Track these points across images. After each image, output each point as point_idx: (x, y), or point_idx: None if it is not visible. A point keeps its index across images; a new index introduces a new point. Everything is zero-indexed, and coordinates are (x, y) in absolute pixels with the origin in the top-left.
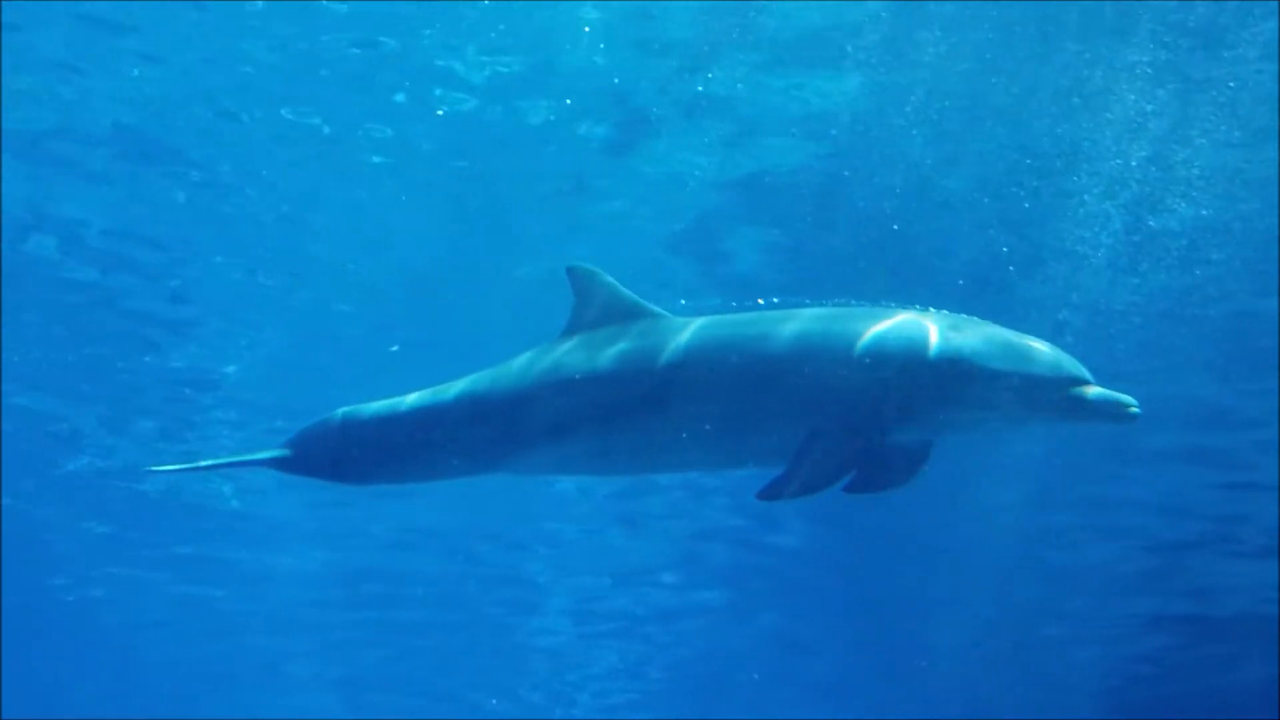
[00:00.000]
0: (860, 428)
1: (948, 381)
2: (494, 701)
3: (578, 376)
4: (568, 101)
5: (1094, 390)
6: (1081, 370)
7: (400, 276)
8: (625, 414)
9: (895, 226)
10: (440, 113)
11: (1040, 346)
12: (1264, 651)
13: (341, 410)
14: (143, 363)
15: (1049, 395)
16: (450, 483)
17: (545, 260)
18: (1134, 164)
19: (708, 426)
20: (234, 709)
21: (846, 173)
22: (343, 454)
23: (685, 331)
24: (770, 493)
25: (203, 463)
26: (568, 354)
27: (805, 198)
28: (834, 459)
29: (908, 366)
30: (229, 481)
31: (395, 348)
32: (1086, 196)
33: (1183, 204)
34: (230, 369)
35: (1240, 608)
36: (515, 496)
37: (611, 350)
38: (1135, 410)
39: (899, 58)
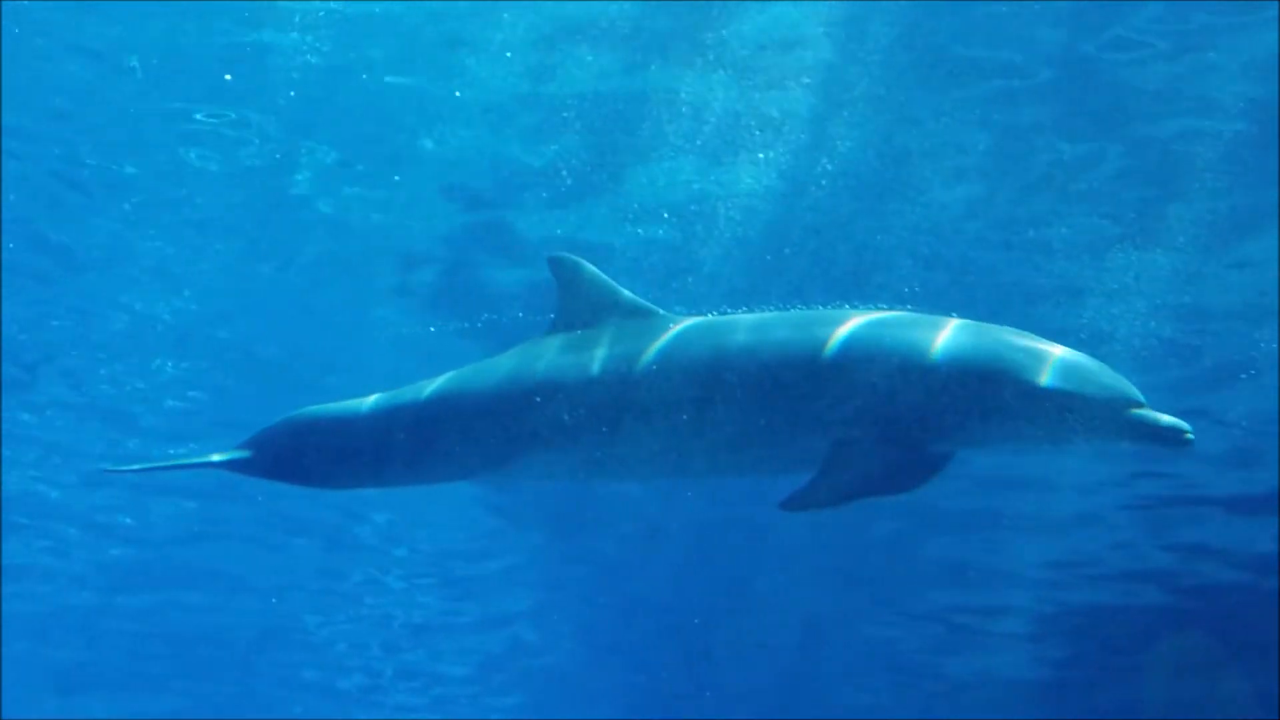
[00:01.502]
0: (899, 439)
1: (1003, 397)
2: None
3: (575, 379)
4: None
5: (1150, 414)
6: (1137, 392)
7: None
8: (627, 422)
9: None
10: None
11: (1096, 366)
12: None
13: (307, 409)
14: None
15: (1106, 416)
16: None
17: None
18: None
19: (724, 436)
20: None
21: None
22: (310, 456)
23: (698, 333)
24: (796, 503)
25: (158, 464)
26: (563, 354)
27: None
28: (867, 470)
29: (962, 379)
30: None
31: None
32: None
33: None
34: None
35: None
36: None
37: (613, 351)
38: (1190, 436)
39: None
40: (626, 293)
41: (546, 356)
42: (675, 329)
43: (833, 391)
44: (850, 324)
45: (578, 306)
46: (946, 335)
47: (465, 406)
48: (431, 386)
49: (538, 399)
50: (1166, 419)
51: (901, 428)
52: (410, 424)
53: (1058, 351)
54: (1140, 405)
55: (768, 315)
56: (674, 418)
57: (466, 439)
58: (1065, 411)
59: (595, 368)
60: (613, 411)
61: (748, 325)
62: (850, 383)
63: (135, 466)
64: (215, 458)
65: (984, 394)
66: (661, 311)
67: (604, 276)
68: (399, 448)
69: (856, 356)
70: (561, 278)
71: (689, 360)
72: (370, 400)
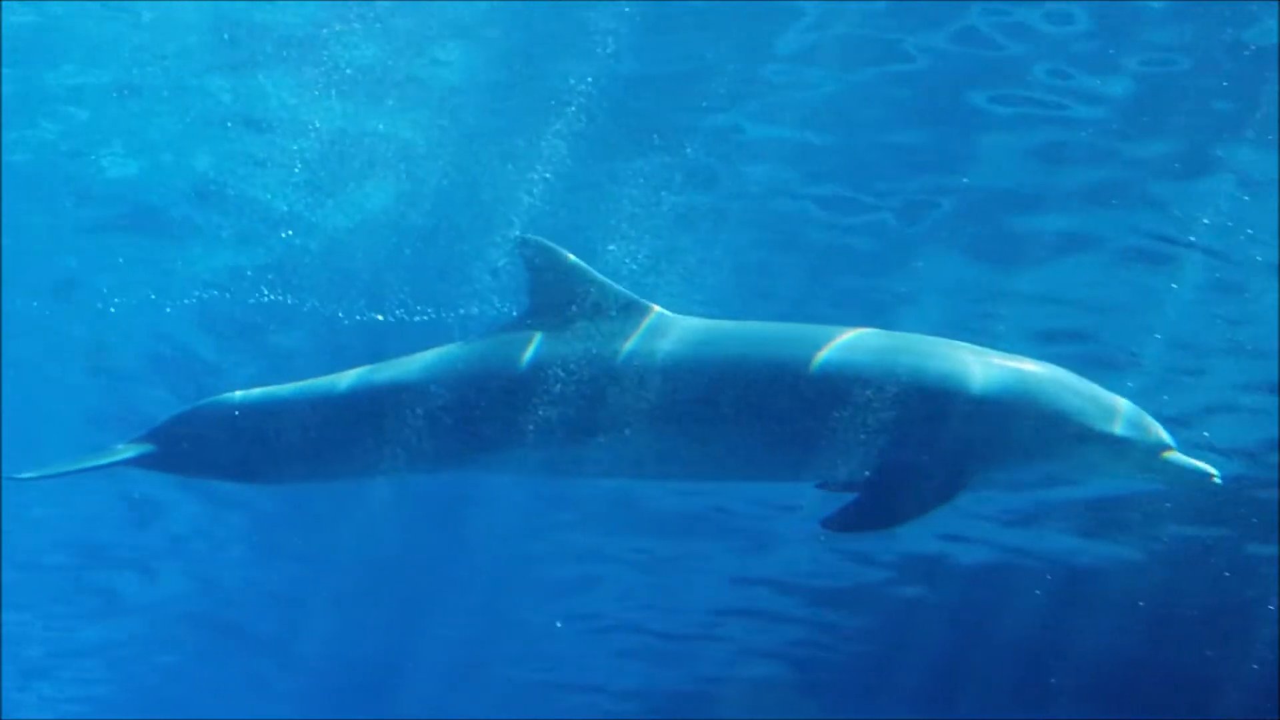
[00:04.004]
0: (947, 468)
1: (1060, 437)
2: None
3: (566, 376)
4: None
5: (1184, 458)
6: (1168, 435)
7: None
8: (613, 425)
9: None
10: None
11: (1136, 410)
12: None
13: (224, 396)
14: None
15: (1146, 459)
16: None
17: None
18: None
19: (747, 447)
20: None
21: None
22: (233, 448)
23: (717, 337)
24: (838, 523)
25: (61, 468)
26: (548, 347)
27: None
28: (912, 495)
29: (1021, 416)
30: None
31: None
32: None
33: None
34: None
35: None
36: None
37: (610, 348)
38: (1218, 480)
39: None
40: (614, 285)
41: (529, 349)
42: (699, 331)
43: (888, 417)
44: (913, 351)
45: (553, 297)
46: (1003, 372)
47: (426, 398)
48: (382, 373)
49: (519, 398)
50: (1199, 464)
51: (954, 457)
52: (357, 414)
53: (1107, 395)
54: (1172, 449)
55: (801, 327)
56: (682, 424)
57: (429, 433)
58: (1112, 453)
59: (589, 364)
60: (604, 413)
61: (787, 337)
62: (911, 410)
63: (33, 473)
64: (116, 458)
65: (1041, 432)
66: (658, 308)
67: (585, 265)
68: (342, 439)
69: (920, 384)
70: (532, 265)
71: (717, 365)
72: (304, 386)
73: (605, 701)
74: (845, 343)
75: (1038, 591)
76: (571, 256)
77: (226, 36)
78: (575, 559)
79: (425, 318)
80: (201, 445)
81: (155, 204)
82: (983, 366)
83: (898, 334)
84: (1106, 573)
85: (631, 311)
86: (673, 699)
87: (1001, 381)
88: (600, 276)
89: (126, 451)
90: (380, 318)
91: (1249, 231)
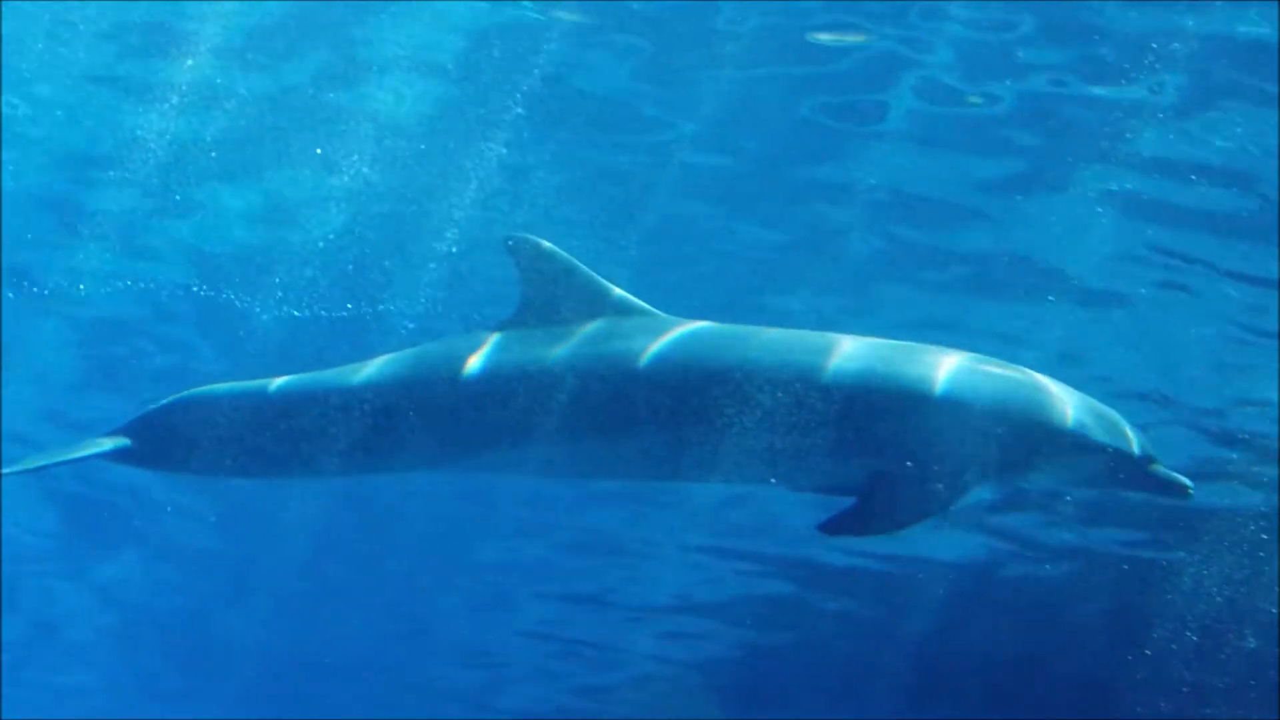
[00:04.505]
0: (939, 476)
1: (1053, 447)
2: None
3: (551, 377)
4: None
5: (1165, 470)
6: (1153, 447)
7: None
8: (608, 431)
9: None
10: None
11: (1125, 421)
12: None
13: (203, 389)
14: None
15: (1132, 469)
16: None
17: None
18: None
19: (737, 453)
20: None
21: None
22: (215, 441)
23: (712, 340)
24: (833, 528)
25: (42, 460)
26: (544, 347)
27: None
28: (907, 502)
29: (1013, 427)
30: None
31: None
32: None
33: None
34: None
35: None
36: None
37: (607, 349)
38: (1192, 491)
39: None
40: (614, 287)
41: (522, 349)
42: (693, 336)
43: (881, 424)
44: (903, 357)
45: (549, 299)
46: (994, 380)
47: (414, 397)
48: (365, 371)
49: (507, 398)
50: (1177, 476)
51: (949, 464)
52: (348, 409)
53: (1098, 406)
54: (1157, 460)
55: (805, 333)
56: (684, 428)
57: (415, 433)
58: (1107, 464)
59: (587, 366)
60: (604, 415)
61: (791, 343)
62: (903, 417)
63: (17, 468)
64: (93, 451)
65: (1033, 443)
66: (657, 311)
67: (583, 267)
68: (327, 437)
69: (913, 391)
70: (524, 264)
71: (716, 370)
72: (291, 381)
73: (528, 702)
74: (848, 349)
75: (940, 593)
76: (565, 254)
77: (139, 20)
78: (500, 565)
79: (345, 312)
80: (183, 439)
81: (72, 197)
82: (983, 375)
83: (896, 341)
84: (1013, 576)
85: (629, 311)
86: (595, 699)
87: (1000, 389)
88: (597, 276)
89: (105, 444)
90: (295, 314)
91: (1146, 235)
